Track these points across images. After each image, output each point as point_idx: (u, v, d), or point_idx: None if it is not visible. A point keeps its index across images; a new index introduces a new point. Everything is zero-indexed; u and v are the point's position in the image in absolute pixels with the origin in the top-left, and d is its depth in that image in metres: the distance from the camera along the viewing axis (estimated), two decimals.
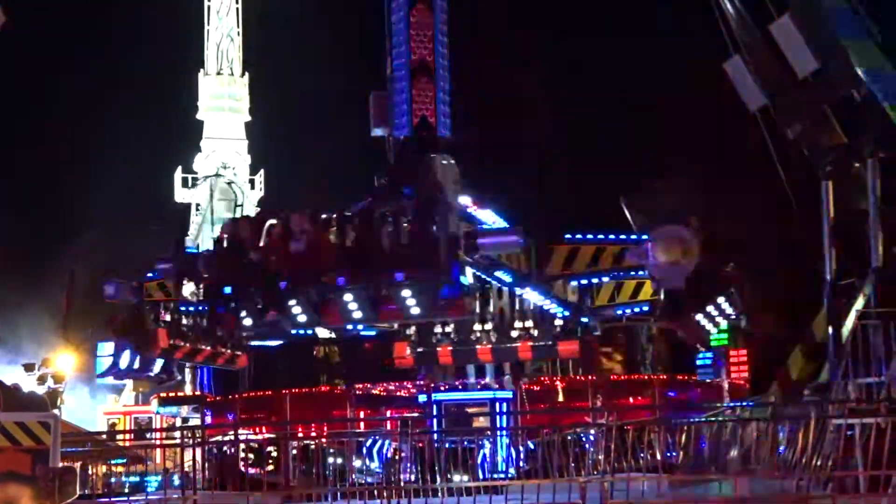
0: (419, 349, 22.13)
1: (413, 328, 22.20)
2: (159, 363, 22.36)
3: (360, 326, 21.98)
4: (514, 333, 21.76)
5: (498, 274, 20.31)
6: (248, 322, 19.21)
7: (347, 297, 18.80)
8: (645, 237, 19.32)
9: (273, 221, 19.11)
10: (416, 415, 26.39)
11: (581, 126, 46.91)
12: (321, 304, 19.03)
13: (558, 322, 21.58)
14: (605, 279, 21.28)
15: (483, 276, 20.64)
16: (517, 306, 21.83)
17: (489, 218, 21.72)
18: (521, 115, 42.93)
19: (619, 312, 25.29)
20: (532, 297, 21.12)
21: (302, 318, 19.37)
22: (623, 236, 20.35)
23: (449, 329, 21.94)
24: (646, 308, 25.49)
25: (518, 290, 21.41)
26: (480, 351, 21.86)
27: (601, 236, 20.52)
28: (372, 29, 21.77)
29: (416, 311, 18.28)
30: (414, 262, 17.85)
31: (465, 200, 20.20)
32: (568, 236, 20.44)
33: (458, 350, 22.05)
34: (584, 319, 21.71)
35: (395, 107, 20.81)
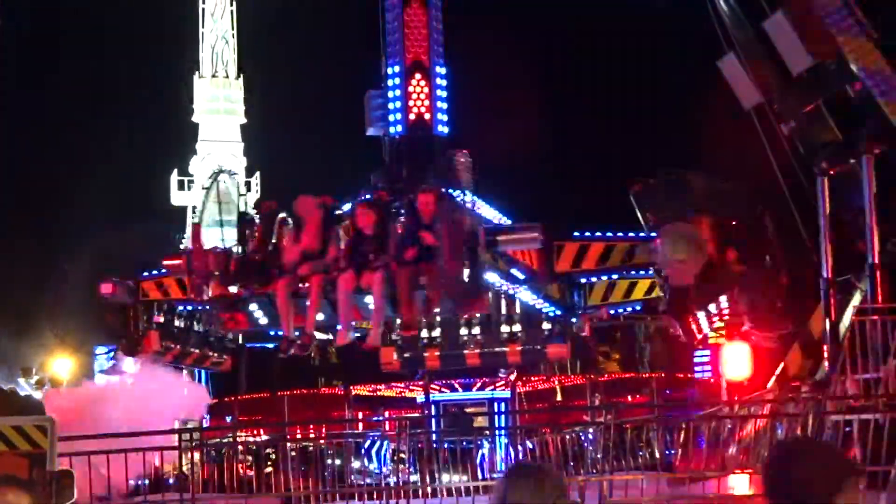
0: (406, 354, 21.68)
1: (397, 333, 21.77)
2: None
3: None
4: (502, 337, 21.17)
5: (514, 272, 20.06)
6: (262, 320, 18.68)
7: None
8: (654, 234, 18.96)
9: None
10: (414, 415, 26.43)
11: (579, 124, 46.96)
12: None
13: (546, 325, 21.06)
14: (615, 276, 20.82)
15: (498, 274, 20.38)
16: (503, 309, 21.51)
17: (492, 215, 21.49)
18: (520, 111, 42.93)
19: (612, 312, 24.83)
20: (525, 297, 20.77)
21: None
22: (631, 234, 20.03)
23: (436, 333, 21.52)
24: (638, 307, 25.07)
25: (511, 290, 21.06)
26: (469, 355, 21.39)
27: (609, 234, 20.22)
28: (367, 29, 21.76)
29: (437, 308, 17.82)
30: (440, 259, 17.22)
31: (467, 198, 20.01)
32: (576, 234, 20.13)
33: (445, 355, 21.62)
34: (573, 320, 21.21)
35: (390, 106, 20.72)
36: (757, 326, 18.50)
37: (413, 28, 20.41)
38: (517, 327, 20.77)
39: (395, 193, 19.48)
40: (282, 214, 17.21)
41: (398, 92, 20.51)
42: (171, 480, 21.02)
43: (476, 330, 21.02)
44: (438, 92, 20.77)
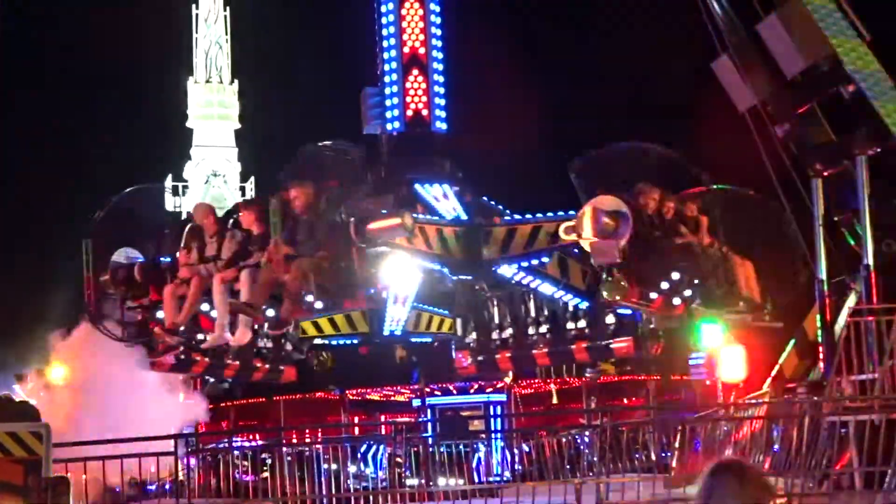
0: (479, 357, 21.07)
1: (473, 335, 21.22)
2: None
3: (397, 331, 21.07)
4: (569, 335, 19.94)
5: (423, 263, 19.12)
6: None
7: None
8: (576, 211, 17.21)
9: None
10: (409, 419, 26.42)
11: (568, 123, 47.01)
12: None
13: (610, 319, 19.52)
14: (546, 259, 19.60)
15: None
16: (569, 306, 19.94)
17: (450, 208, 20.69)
18: (505, 108, 42.91)
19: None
20: (546, 289, 20.04)
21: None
22: (561, 213, 18.09)
23: (507, 334, 21.06)
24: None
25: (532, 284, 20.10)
26: (538, 355, 20.33)
27: (540, 214, 19.20)
28: (362, 28, 21.55)
29: (318, 305, 16.99)
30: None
31: (436, 192, 19.53)
32: (507, 217, 19.28)
33: (517, 356, 21.13)
34: (627, 311, 20.03)
35: (387, 102, 20.44)
36: (704, 303, 17.51)
37: (410, 21, 20.19)
38: (582, 323, 19.76)
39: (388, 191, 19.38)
40: (192, 223, 17.45)
41: (395, 88, 20.26)
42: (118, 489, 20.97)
43: (544, 328, 20.12)
44: (436, 88, 20.43)
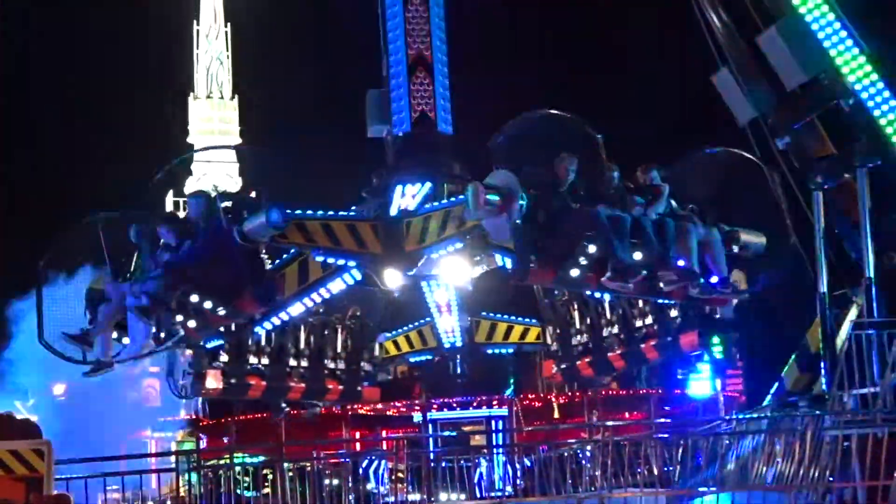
0: (563, 365, 20.52)
1: (555, 344, 20.72)
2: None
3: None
4: (640, 333, 19.00)
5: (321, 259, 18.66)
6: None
7: None
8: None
9: None
10: (410, 434, 26.37)
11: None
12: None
13: (674, 312, 18.40)
14: (460, 245, 18.70)
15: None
16: (639, 301, 18.90)
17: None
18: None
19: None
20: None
21: None
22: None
23: (585, 338, 19.77)
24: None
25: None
26: (613, 358, 19.43)
27: (453, 199, 18.57)
28: (364, 34, 21.50)
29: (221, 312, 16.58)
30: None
31: (412, 191, 19.38)
32: (427, 206, 18.83)
33: (595, 361, 19.62)
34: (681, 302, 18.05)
35: (392, 104, 20.36)
36: (614, 276, 16.46)
37: (415, 23, 20.16)
38: (649, 319, 18.85)
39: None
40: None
41: (400, 90, 20.23)
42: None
43: (616, 328, 19.29)
44: (442, 89, 20.37)
